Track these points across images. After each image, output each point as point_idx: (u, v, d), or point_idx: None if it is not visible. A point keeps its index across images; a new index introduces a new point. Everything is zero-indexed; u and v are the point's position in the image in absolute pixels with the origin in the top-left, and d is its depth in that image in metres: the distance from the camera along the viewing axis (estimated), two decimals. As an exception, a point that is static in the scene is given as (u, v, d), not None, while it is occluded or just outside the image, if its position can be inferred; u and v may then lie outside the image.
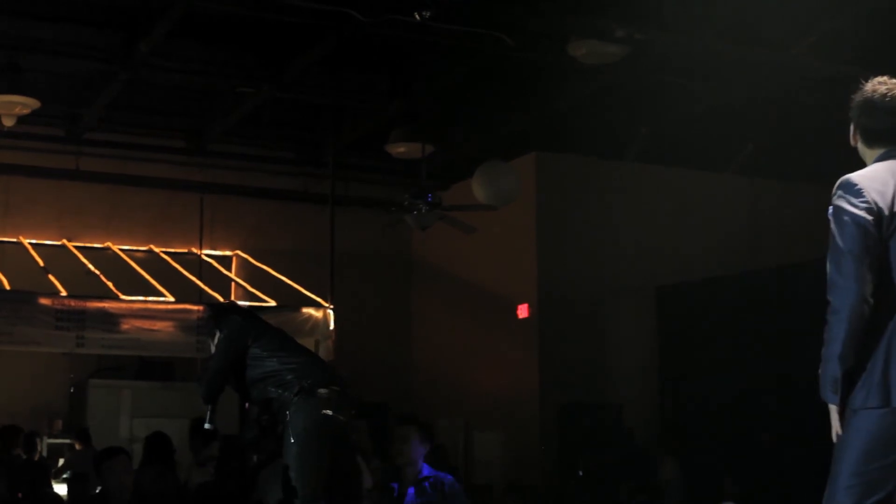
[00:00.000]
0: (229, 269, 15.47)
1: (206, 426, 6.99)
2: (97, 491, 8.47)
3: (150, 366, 14.41)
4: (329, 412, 6.44)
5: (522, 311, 14.33)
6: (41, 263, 13.57)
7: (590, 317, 14.17)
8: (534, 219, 14.33)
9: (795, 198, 14.54)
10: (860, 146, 4.41)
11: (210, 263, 15.14)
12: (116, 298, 12.41)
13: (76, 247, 14.55)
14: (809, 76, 11.83)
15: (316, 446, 6.41)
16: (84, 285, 12.94)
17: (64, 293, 12.18)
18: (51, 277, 12.86)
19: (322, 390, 6.47)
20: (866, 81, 4.35)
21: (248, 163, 15.54)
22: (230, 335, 6.85)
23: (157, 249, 15.21)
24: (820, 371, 4.08)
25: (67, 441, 13.89)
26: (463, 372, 15.21)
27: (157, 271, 13.94)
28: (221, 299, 13.57)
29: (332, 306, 13.13)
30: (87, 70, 12.72)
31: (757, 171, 15.03)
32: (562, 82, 12.84)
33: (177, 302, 12.61)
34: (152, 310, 12.44)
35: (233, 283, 15.12)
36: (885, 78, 4.36)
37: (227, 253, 15.77)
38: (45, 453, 13.80)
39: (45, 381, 14.45)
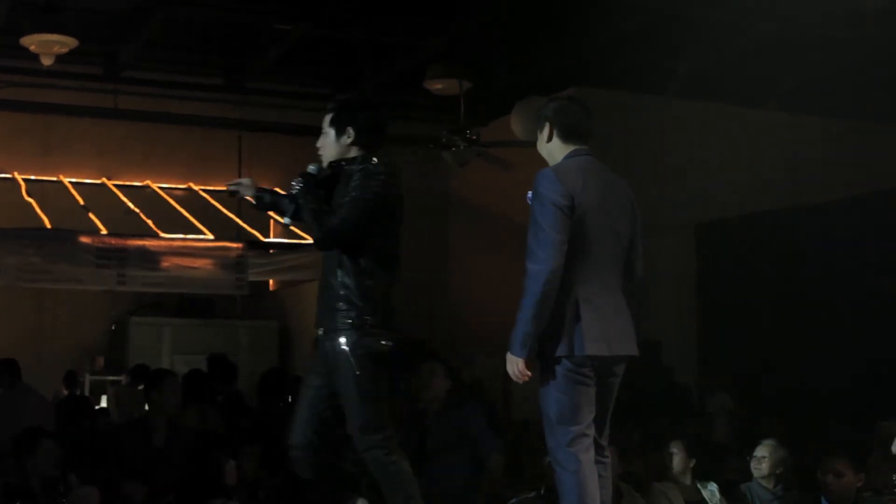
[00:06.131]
0: (268, 207, 15.49)
1: (310, 168, 5.81)
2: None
3: (190, 303, 14.52)
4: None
5: (561, 248, 14.24)
6: (81, 202, 13.63)
7: (628, 253, 14.04)
8: (572, 155, 14.20)
9: (836, 134, 14.39)
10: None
11: (249, 201, 15.14)
12: (156, 236, 12.44)
13: (116, 185, 14.62)
14: (854, 8, 11.66)
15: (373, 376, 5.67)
16: (124, 223, 12.99)
17: (104, 231, 12.22)
18: (91, 216, 12.91)
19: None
20: None
21: (286, 100, 15.48)
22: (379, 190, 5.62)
23: (195, 187, 15.26)
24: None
25: (110, 378, 14.05)
26: (501, 309, 15.07)
27: (197, 209, 13.98)
28: (261, 237, 13.60)
29: (370, 244, 13.08)
30: (123, 7, 12.70)
31: (797, 108, 14.86)
32: (601, 17, 12.68)
33: (216, 240, 12.63)
34: (192, 247, 12.46)
35: (271, 221, 15.15)
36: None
37: (266, 190, 15.79)
38: (87, 390, 13.99)
39: (86, 318, 14.58)
